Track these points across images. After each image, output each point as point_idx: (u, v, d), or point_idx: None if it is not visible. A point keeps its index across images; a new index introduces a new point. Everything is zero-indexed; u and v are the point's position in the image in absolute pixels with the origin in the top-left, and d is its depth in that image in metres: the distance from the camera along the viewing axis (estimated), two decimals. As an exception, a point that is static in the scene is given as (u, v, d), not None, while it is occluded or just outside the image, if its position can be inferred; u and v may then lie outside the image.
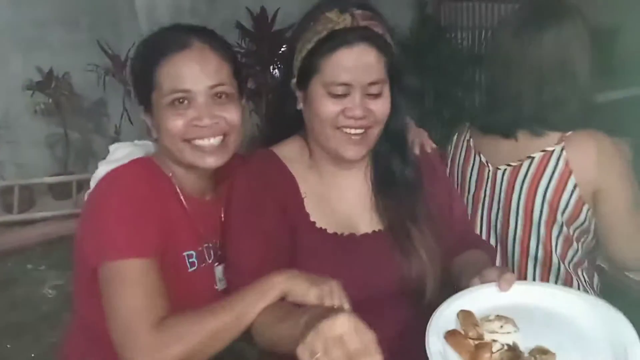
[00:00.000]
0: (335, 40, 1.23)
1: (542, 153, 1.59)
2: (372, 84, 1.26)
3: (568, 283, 1.65)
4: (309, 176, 1.38)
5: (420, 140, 1.51)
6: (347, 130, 1.28)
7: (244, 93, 1.41)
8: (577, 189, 1.56)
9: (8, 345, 3.23)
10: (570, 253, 1.65)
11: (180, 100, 1.27)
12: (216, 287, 1.36)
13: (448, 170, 1.81)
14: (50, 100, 4.71)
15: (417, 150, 1.47)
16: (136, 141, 1.52)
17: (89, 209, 1.28)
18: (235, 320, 1.14)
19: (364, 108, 1.26)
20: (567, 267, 1.65)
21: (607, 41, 4.37)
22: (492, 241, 1.72)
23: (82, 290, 1.35)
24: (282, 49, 4.30)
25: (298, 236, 1.32)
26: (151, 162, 1.35)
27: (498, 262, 1.70)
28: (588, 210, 1.59)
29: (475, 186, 1.75)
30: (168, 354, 1.10)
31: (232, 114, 1.31)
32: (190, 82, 1.26)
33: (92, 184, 1.37)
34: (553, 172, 1.58)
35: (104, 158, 1.47)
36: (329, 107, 1.26)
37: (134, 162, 1.33)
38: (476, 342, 1.04)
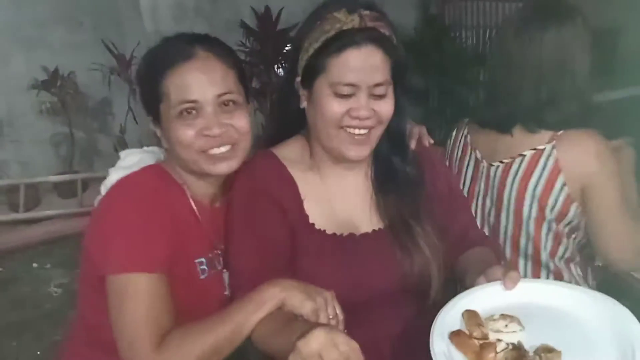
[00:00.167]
0: (343, 40, 1.23)
1: (533, 151, 1.62)
2: (377, 85, 1.26)
3: (559, 278, 1.66)
4: (309, 177, 1.38)
5: (417, 135, 1.51)
6: (351, 130, 1.28)
7: (250, 96, 1.41)
8: (566, 187, 1.58)
9: (13, 343, 3.24)
10: (560, 249, 1.67)
11: (189, 110, 1.27)
12: (226, 294, 1.36)
13: None
14: (56, 99, 4.73)
15: (413, 145, 1.47)
16: (146, 147, 1.51)
17: (99, 217, 1.28)
18: (233, 333, 1.17)
19: (369, 109, 1.27)
20: (558, 263, 1.67)
21: (609, 41, 4.35)
22: None
23: (87, 293, 1.35)
24: (287, 48, 4.31)
25: (298, 238, 1.32)
26: (162, 170, 1.35)
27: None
28: (577, 208, 1.60)
29: (470, 181, 1.78)
30: None
31: (240, 121, 1.31)
32: (198, 93, 1.27)
33: (103, 191, 1.37)
34: (543, 170, 1.60)
35: (111, 159, 1.47)
36: (334, 107, 1.26)
37: (145, 170, 1.34)
38: (481, 342, 1.04)
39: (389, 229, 1.37)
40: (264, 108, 4.32)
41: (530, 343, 1.03)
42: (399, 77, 1.31)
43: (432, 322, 1.09)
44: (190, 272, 1.30)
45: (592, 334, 1.06)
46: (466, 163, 1.79)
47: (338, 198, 1.38)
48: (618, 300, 1.12)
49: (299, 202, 1.35)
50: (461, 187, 1.77)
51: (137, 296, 1.18)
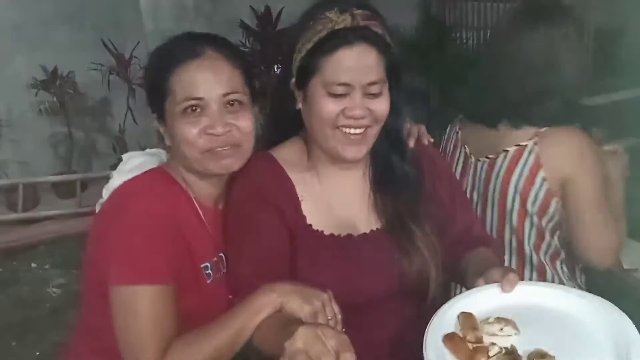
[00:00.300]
0: (335, 39, 1.23)
1: (516, 147, 1.66)
2: (371, 83, 1.25)
3: (541, 272, 1.70)
4: (307, 178, 1.37)
5: (416, 134, 1.50)
6: (347, 130, 1.28)
7: (255, 100, 1.41)
8: (546, 183, 1.62)
9: (13, 343, 3.24)
10: (543, 245, 1.70)
11: (194, 108, 1.27)
12: (230, 297, 1.36)
13: None
14: (55, 99, 4.72)
15: (412, 144, 1.46)
16: (148, 150, 1.51)
17: (103, 225, 1.27)
18: (232, 340, 1.18)
19: (364, 108, 1.26)
20: (542, 258, 1.71)
21: (612, 42, 4.36)
22: None
23: (90, 297, 1.34)
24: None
25: (295, 239, 1.32)
26: (165, 173, 1.35)
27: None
28: (557, 203, 1.64)
29: (460, 176, 1.81)
30: None
31: (244, 122, 1.31)
32: (204, 90, 1.27)
33: (105, 195, 1.37)
34: (524, 166, 1.64)
35: (110, 159, 1.46)
36: (328, 107, 1.26)
37: (148, 175, 1.33)
38: (474, 345, 1.03)
39: (387, 230, 1.36)
40: (264, 109, 4.31)
41: (524, 347, 1.02)
42: (394, 76, 1.30)
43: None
44: (196, 277, 1.30)
45: (588, 339, 1.04)
46: (456, 158, 1.84)
47: (336, 199, 1.38)
48: (615, 300, 1.11)
49: (297, 204, 1.34)
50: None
51: (142, 308, 1.18)
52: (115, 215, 1.24)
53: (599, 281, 1.83)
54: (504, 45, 1.69)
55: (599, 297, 1.11)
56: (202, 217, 1.35)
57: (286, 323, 1.10)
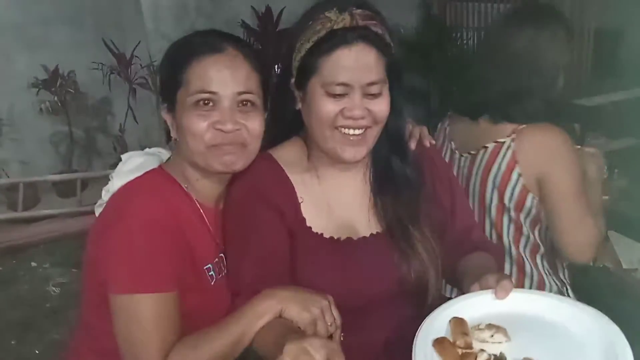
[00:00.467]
0: (334, 39, 1.22)
1: (495, 143, 1.71)
2: (371, 84, 1.24)
3: (520, 266, 1.75)
4: (307, 180, 1.36)
5: (417, 136, 1.49)
6: (346, 130, 1.27)
7: (268, 105, 1.40)
8: (521, 178, 1.66)
9: (13, 342, 3.24)
10: (522, 239, 1.74)
11: (206, 101, 1.27)
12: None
13: None
14: (56, 98, 4.73)
15: (412, 145, 1.45)
16: (148, 149, 1.50)
17: (102, 228, 1.26)
18: (231, 346, 1.18)
19: (363, 108, 1.25)
20: (521, 252, 1.75)
21: (612, 42, 4.36)
22: None
23: (90, 299, 1.33)
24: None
25: (295, 241, 1.31)
26: (165, 174, 1.34)
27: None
28: (533, 199, 1.68)
29: None
30: None
31: (254, 124, 1.30)
32: (218, 86, 1.26)
33: (105, 196, 1.36)
34: (501, 162, 1.69)
35: (111, 159, 1.46)
36: (327, 107, 1.25)
37: (148, 177, 1.32)
38: (463, 351, 1.02)
39: (387, 233, 1.35)
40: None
41: (514, 355, 1.01)
42: (394, 76, 1.29)
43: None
44: (200, 280, 1.29)
45: (578, 350, 1.03)
46: (444, 153, 1.87)
47: (336, 201, 1.37)
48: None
49: (296, 205, 1.33)
50: None
51: (143, 317, 1.18)
52: (116, 219, 1.23)
53: (599, 281, 1.83)
54: (492, 43, 1.76)
55: (593, 308, 1.10)
56: (204, 217, 1.34)
57: (285, 330, 1.11)
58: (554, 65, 1.70)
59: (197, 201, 1.34)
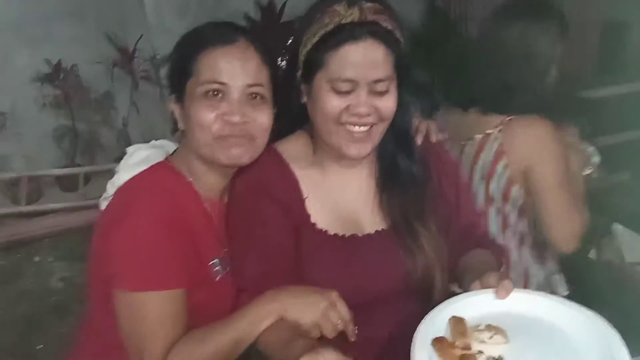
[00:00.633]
0: (342, 34, 1.19)
1: (483, 135, 1.74)
2: (378, 81, 1.21)
3: (506, 256, 1.75)
4: (312, 175, 1.34)
5: (424, 131, 1.47)
6: (351, 127, 1.24)
7: (277, 100, 1.38)
8: (507, 170, 1.69)
9: (17, 336, 3.25)
10: (509, 230, 1.78)
11: (215, 92, 1.25)
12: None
13: None
14: (59, 92, 4.73)
15: (419, 141, 1.43)
16: (154, 141, 1.49)
17: (108, 224, 1.25)
18: (233, 347, 1.17)
19: (369, 105, 1.22)
20: (509, 242, 1.78)
21: (618, 35, 4.33)
22: None
23: (96, 294, 1.32)
24: (290, 41, 4.29)
25: (299, 237, 1.29)
26: (170, 168, 1.33)
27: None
28: (519, 189, 1.71)
29: None
30: None
31: (263, 117, 1.29)
32: (229, 77, 1.25)
33: (110, 190, 1.35)
34: (488, 153, 1.72)
35: (114, 153, 1.45)
36: (333, 103, 1.22)
37: (153, 171, 1.31)
38: (462, 352, 1.01)
39: (393, 230, 1.34)
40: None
41: (513, 357, 1.00)
42: (403, 72, 1.27)
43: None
44: (206, 276, 1.29)
45: (577, 353, 1.02)
46: None
47: (341, 197, 1.35)
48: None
49: (301, 201, 1.31)
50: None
51: (148, 314, 1.17)
52: (123, 215, 1.21)
53: (601, 275, 1.83)
54: (484, 35, 1.79)
55: (593, 312, 1.09)
56: (209, 212, 1.33)
57: (290, 331, 1.11)
58: (545, 58, 1.71)
59: (202, 195, 1.33)
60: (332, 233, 1.31)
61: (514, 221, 1.77)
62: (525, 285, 1.77)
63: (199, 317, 1.22)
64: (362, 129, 1.25)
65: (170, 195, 1.25)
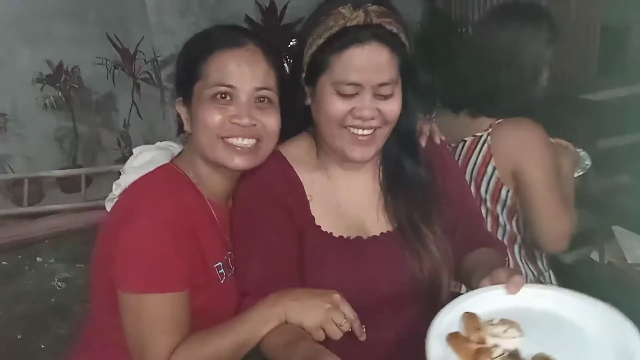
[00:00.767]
0: (347, 37, 1.18)
1: (472, 137, 1.77)
2: (382, 84, 1.21)
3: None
4: (316, 177, 1.34)
5: (427, 133, 1.47)
6: (355, 130, 1.24)
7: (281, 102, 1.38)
8: (496, 172, 1.73)
9: (18, 336, 3.25)
10: (499, 230, 1.82)
11: (223, 95, 1.26)
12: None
13: None
14: (60, 93, 4.73)
15: (422, 142, 1.43)
16: (158, 143, 1.49)
17: (113, 226, 1.25)
18: (235, 351, 1.17)
19: (374, 109, 1.22)
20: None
21: (619, 38, 4.34)
22: None
23: (100, 295, 1.33)
24: (292, 43, 4.30)
25: (304, 240, 1.29)
26: (175, 170, 1.33)
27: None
28: (508, 191, 1.74)
29: None
30: None
31: (270, 121, 1.29)
32: (237, 80, 1.25)
33: (117, 192, 1.35)
34: (478, 155, 1.76)
35: (115, 154, 1.45)
36: (337, 106, 1.22)
37: (160, 174, 1.31)
38: (477, 346, 1.02)
39: (398, 232, 1.33)
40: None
41: (528, 350, 1.00)
42: (407, 76, 1.27)
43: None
44: (211, 279, 1.29)
45: (592, 344, 1.03)
46: None
47: (345, 199, 1.35)
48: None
49: (305, 204, 1.31)
50: None
51: (152, 316, 1.18)
52: (129, 218, 1.22)
53: (602, 277, 1.83)
54: (476, 38, 1.85)
55: (607, 304, 1.09)
56: (214, 214, 1.33)
57: (293, 334, 1.11)
58: (535, 62, 1.73)
59: (207, 198, 1.33)
60: (337, 235, 1.30)
61: (504, 221, 1.80)
62: None
63: (202, 319, 1.22)
64: (366, 132, 1.25)
65: (176, 199, 1.25)
